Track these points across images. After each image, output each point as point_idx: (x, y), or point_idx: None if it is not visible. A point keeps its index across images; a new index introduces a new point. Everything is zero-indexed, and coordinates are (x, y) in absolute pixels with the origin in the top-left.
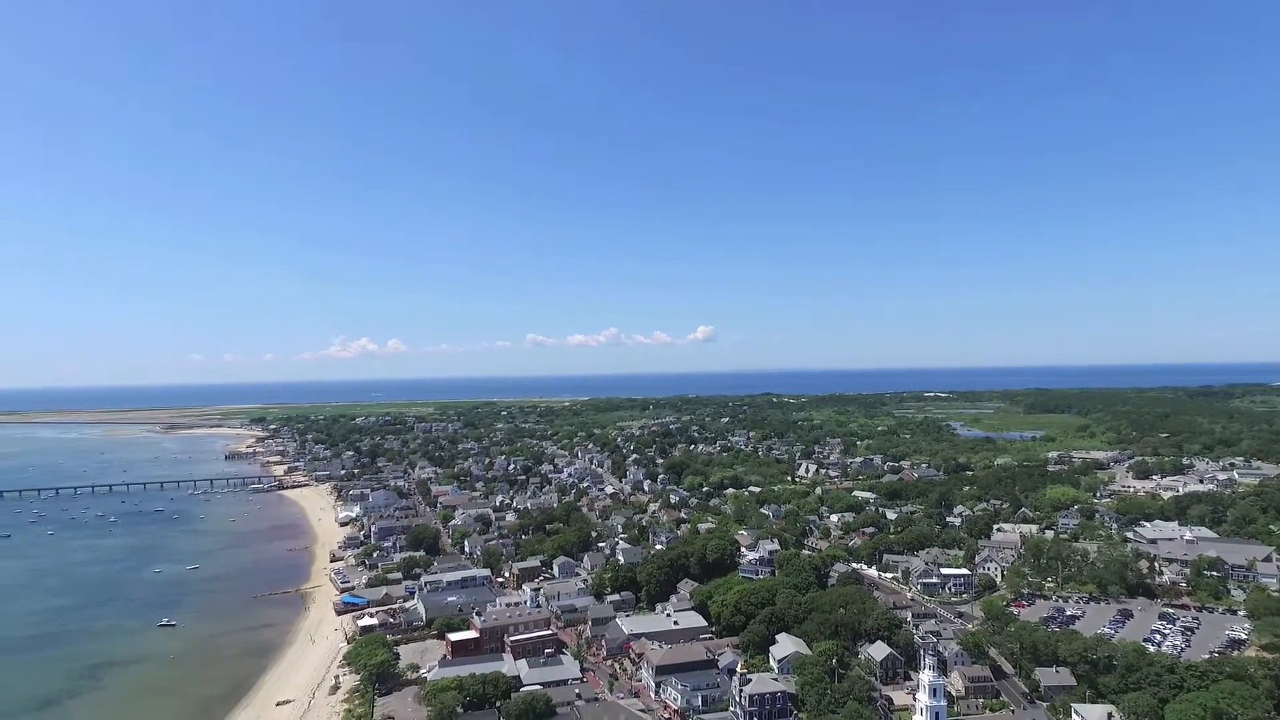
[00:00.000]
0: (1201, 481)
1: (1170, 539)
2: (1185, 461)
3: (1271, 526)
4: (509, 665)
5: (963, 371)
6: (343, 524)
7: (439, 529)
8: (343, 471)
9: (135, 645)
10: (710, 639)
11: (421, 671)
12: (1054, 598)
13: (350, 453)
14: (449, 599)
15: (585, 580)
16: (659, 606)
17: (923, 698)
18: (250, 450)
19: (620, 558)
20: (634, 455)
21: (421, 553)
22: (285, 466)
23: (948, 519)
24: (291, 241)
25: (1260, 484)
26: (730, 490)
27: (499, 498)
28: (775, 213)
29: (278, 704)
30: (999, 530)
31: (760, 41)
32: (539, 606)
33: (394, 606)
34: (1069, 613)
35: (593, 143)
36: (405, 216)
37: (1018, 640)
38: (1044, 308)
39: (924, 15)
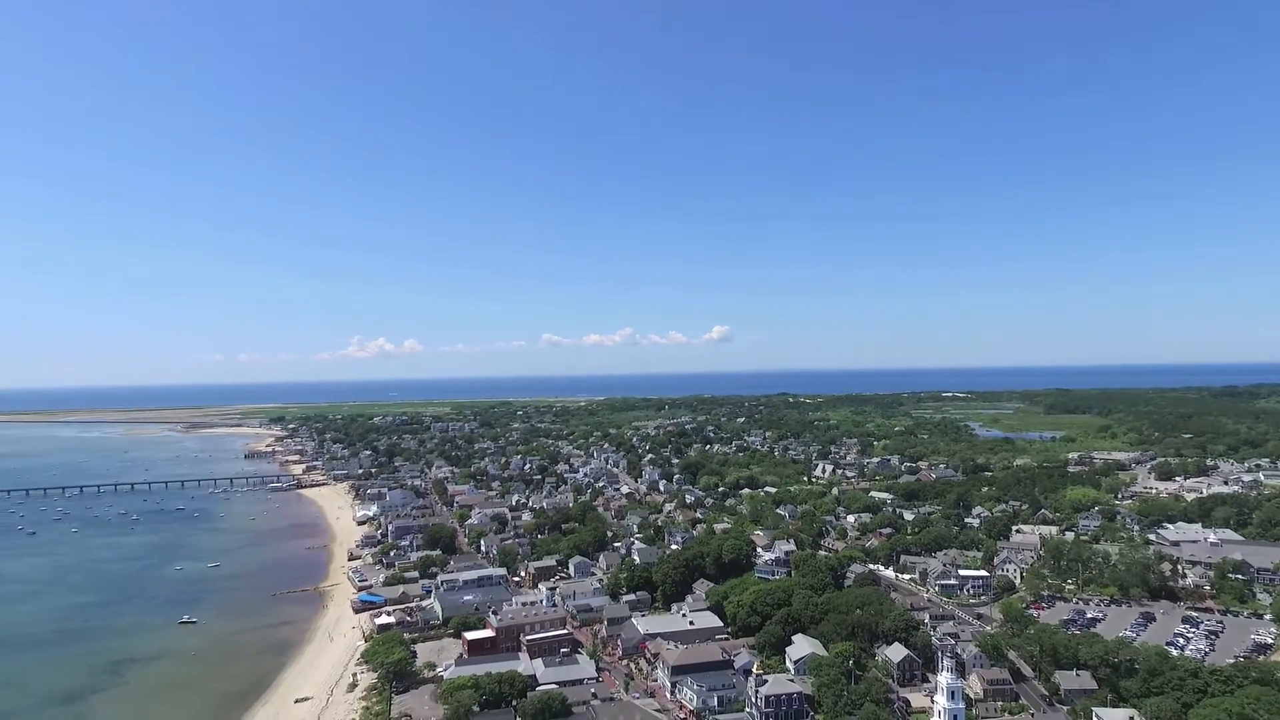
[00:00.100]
0: (1226, 483)
1: (1194, 541)
2: (1209, 463)
3: None
4: (525, 664)
5: (962, 372)
6: (360, 523)
7: (455, 528)
8: (360, 471)
9: (157, 642)
10: (726, 639)
11: (438, 670)
12: (1074, 600)
13: (368, 452)
14: (465, 598)
15: (601, 580)
16: (674, 606)
17: (941, 700)
18: (269, 449)
19: (636, 557)
20: (649, 455)
21: (438, 552)
22: (304, 465)
23: (966, 520)
24: (311, 244)
25: None
26: (746, 490)
27: (515, 497)
28: (779, 211)
29: (296, 701)
30: (1018, 531)
31: (760, 42)
32: (555, 606)
33: (411, 605)
34: (1090, 615)
35: (595, 142)
36: (422, 218)
37: (1037, 643)
38: (1044, 308)
39: (924, 14)
